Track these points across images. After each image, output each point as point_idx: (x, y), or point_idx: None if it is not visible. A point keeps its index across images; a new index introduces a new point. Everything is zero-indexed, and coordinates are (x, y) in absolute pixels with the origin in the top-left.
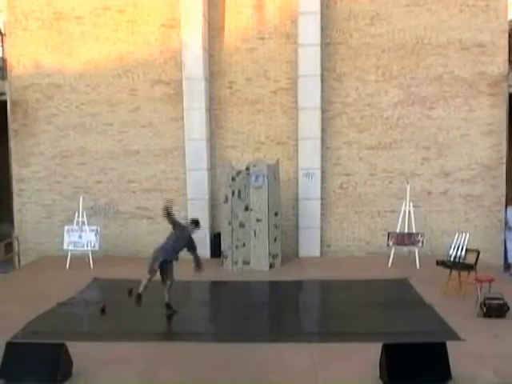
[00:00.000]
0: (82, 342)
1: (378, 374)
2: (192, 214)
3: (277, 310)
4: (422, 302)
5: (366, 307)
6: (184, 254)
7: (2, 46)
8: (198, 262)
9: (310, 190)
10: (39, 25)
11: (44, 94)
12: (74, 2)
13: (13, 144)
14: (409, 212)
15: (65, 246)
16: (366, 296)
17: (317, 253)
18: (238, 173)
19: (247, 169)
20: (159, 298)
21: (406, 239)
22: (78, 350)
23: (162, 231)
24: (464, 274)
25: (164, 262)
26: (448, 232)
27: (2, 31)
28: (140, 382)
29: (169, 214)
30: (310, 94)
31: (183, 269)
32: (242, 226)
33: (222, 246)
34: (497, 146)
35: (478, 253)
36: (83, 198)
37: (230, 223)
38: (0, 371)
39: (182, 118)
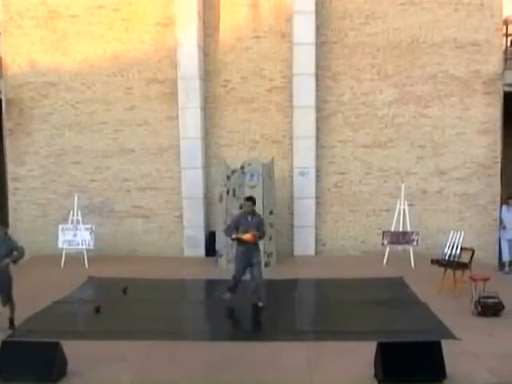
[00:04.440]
0: (76, 340)
1: (373, 373)
2: (187, 213)
3: (272, 308)
4: (417, 301)
5: (361, 306)
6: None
7: None
8: None
9: (305, 188)
10: (34, 23)
11: (39, 93)
12: (68, 0)
13: (8, 143)
14: (404, 211)
15: (59, 245)
16: (360, 295)
17: (312, 251)
18: (233, 171)
19: (242, 167)
20: (153, 296)
21: (400, 238)
22: (72, 348)
23: (157, 230)
24: (459, 272)
25: None
26: (443, 231)
27: None
28: (135, 381)
29: None
30: (305, 92)
31: (178, 268)
32: None
33: (217, 245)
34: (492, 145)
35: (473, 251)
36: (78, 197)
37: (224, 222)
38: None
39: (177, 117)
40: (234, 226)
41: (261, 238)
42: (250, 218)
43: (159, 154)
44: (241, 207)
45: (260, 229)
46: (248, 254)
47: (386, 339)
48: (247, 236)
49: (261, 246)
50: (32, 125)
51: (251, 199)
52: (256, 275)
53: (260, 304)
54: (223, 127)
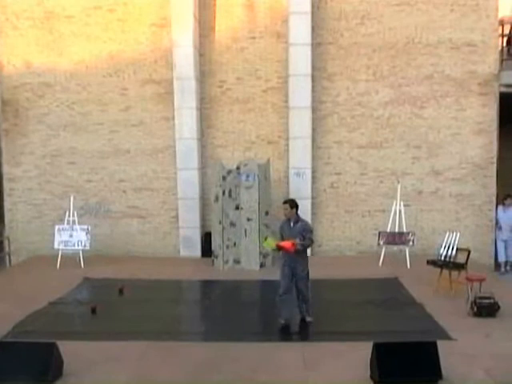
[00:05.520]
0: (72, 341)
1: (369, 374)
2: (183, 213)
3: (268, 309)
4: (413, 302)
5: (357, 306)
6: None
7: None
8: None
9: (301, 189)
10: (30, 24)
11: (35, 94)
12: (64, 1)
13: (3, 143)
14: (399, 211)
15: (55, 246)
16: (356, 295)
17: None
18: (229, 172)
19: (238, 168)
20: (149, 297)
21: (396, 238)
22: (68, 349)
23: (153, 230)
24: (455, 273)
25: None
26: (439, 231)
27: None
28: (131, 382)
29: None
30: (300, 93)
31: (174, 269)
32: (232, 225)
33: (213, 246)
34: (487, 146)
35: (469, 252)
36: (74, 198)
37: (220, 222)
38: None
39: (173, 118)
40: (281, 234)
41: (305, 246)
42: (292, 224)
43: (155, 154)
44: (236, 208)
45: (305, 236)
46: (292, 265)
47: (381, 340)
48: (285, 243)
49: (255, 247)
50: (28, 125)
51: (288, 201)
52: (303, 286)
53: (308, 319)
54: (219, 128)
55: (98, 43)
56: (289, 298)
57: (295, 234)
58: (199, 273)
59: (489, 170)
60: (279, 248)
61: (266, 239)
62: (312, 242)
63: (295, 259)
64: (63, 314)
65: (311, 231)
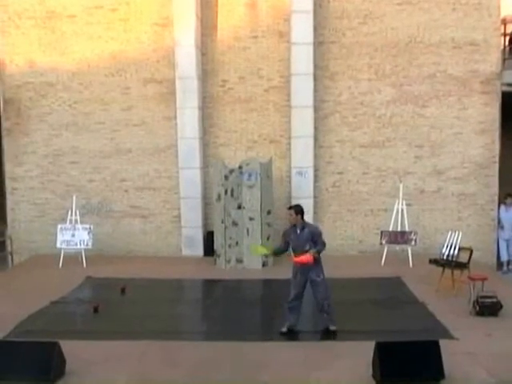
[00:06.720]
0: (74, 340)
1: (371, 373)
2: (185, 213)
3: (270, 308)
4: (415, 301)
5: (359, 306)
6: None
7: None
8: None
9: (303, 188)
10: (32, 23)
11: (37, 93)
12: (66, 0)
13: (6, 143)
14: (401, 210)
15: (58, 245)
16: (358, 294)
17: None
18: (231, 171)
19: (240, 167)
20: (151, 296)
21: (398, 238)
22: (70, 348)
23: (155, 230)
24: (457, 272)
25: None
26: (441, 230)
27: None
28: (132, 381)
29: None
30: (302, 92)
31: (176, 268)
32: (234, 224)
33: (215, 245)
34: (489, 145)
35: (471, 251)
36: (76, 197)
37: (222, 222)
38: None
39: (175, 117)
40: (284, 240)
41: (320, 251)
42: (298, 231)
43: (157, 153)
44: (239, 207)
45: (317, 241)
46: (305, 272)
47: (383, 339)
48: (302, 258)
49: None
50: (30, 125)
51: (293, 207)
52: (321, 293)
53: (332, 327)
54: (221, 127)
55: (100, 42)
56: (297, 306)
57: (303, 241)
58: (201, 272)
59: (491, 170)
60: (298, 264)
61: (256, 249)
62: (324, 245)
63: (308, 267)
64: (65, 314)
65: (321, 235)
